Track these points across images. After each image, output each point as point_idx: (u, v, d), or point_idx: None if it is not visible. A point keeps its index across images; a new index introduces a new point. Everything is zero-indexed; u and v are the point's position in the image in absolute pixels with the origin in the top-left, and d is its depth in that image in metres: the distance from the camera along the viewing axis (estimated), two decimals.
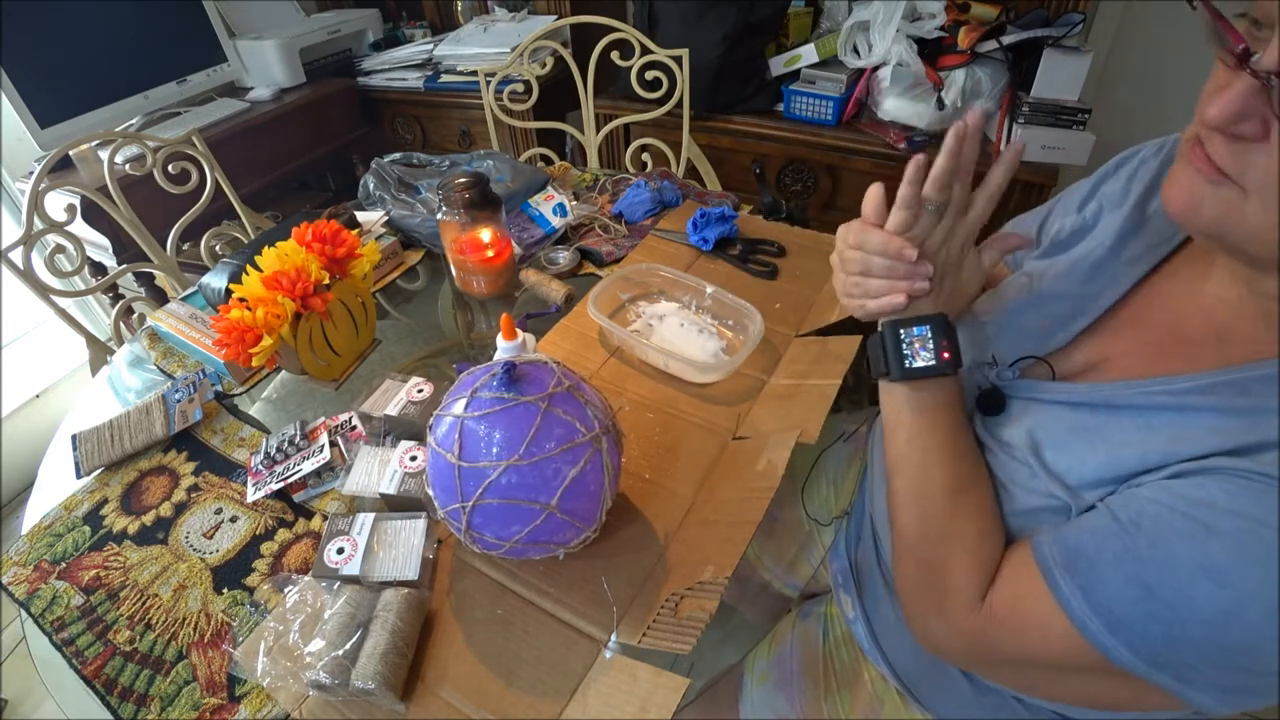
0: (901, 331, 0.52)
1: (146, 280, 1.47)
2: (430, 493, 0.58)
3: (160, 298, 1.47)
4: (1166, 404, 0.43)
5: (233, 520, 0.71)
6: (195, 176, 1.31)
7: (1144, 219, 0.54)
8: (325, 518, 0.69)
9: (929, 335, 0.51)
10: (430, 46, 1.89)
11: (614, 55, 1.48)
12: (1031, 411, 0.52)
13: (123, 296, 1.33)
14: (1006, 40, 1.30)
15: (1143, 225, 0.53)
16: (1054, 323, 0.55)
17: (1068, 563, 0.42)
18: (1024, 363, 0.54)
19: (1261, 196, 0.37)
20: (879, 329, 0.54)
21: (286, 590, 0.62)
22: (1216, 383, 0.41)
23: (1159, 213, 0.53)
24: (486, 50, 1.75)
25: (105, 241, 1.42)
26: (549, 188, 1.16)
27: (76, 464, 0.78)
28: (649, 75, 1.49)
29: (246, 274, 0.78)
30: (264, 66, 1.80)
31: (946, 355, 0.51)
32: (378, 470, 0.69)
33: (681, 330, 0.86)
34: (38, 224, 1.13)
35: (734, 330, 0.87)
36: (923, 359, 0.51)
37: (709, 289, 0.87)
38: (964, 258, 0.53)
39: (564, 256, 1.03)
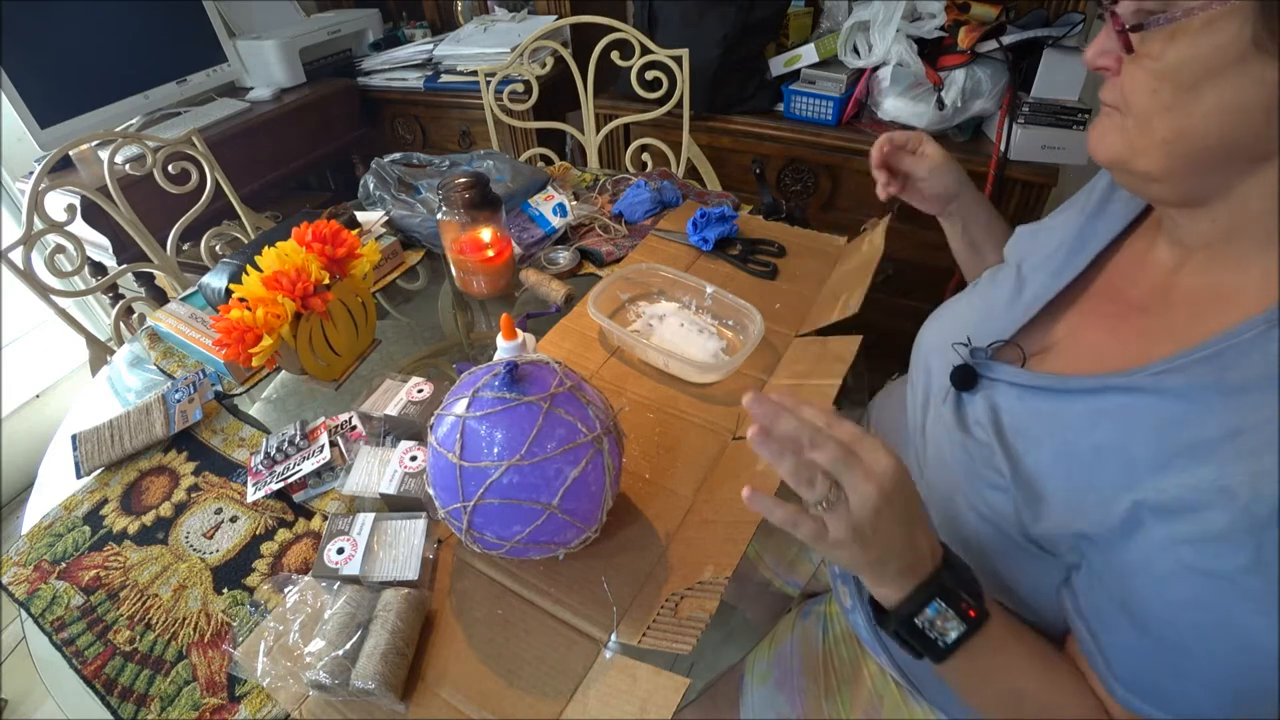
0: (916, 622, 0.46)
1: (146, 280, 1.47)
2: (431, 492, 0.58)
3: (160, 298, 1.46)
4: (1117, 386, 0.46)
5: (233, 520, 0.71)
6: (195, 176, 1.31)
7: (1108, 202, 0.58)
8: (325, 518, 0.69)
9: (944, 608, 0.45)
10: (430, 46, 1.89)
11: (614, 55, 1.48)
12: (998, 391, 0.54)
13: (123, 296, 1.33)
14: (1006, 40, 1.30)
15: (1106, 208, 0.57)
16: (1027, 301, 0.58)
17: (1150, 697, 0.44)
18: (995, 345, 0.57)
19: (1132, 114, 0.44)
20: (890, 629, 0.48)
21: (286, 590, 0.62)
22: (1162, 370, 0.44)
23: (1122, 195, 0.57)
24: (486, 50, 1.75)
25: (105, 241, 1.42)
26: (549, 188, 1.16)
27: (76, 464, 0.78)
28: (649, 75, 1.49)
29: (246, 274, 0.78)
30: (264, 66, 1.80)
31: (974, 612, 0.46)
32: (378, 470, 0.69)
33: (681, 330, 0.86)
34: (38, 224, 1.13)
35: (734, 330, 0.87)
36: (954, 630, 0.45)
37: (709, 289, 0.87)
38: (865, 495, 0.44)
39: (564, 256, 1.03)
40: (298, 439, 0.75)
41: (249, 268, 0.78)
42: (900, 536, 0.44)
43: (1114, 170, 0.49)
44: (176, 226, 1.32)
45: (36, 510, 0.75)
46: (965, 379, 0.56)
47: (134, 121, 1.61)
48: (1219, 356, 0.42)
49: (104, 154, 1.31)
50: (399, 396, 0.75)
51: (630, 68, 1.48)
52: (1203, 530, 0.39)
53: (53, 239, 1.16)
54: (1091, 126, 0.49)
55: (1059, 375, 0.50)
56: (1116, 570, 0.44)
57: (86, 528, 0.72)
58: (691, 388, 0.80)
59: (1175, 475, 0.40)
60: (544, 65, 1.72)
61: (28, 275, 1.12)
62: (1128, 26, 0.43)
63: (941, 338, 0.64)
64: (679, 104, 1.48)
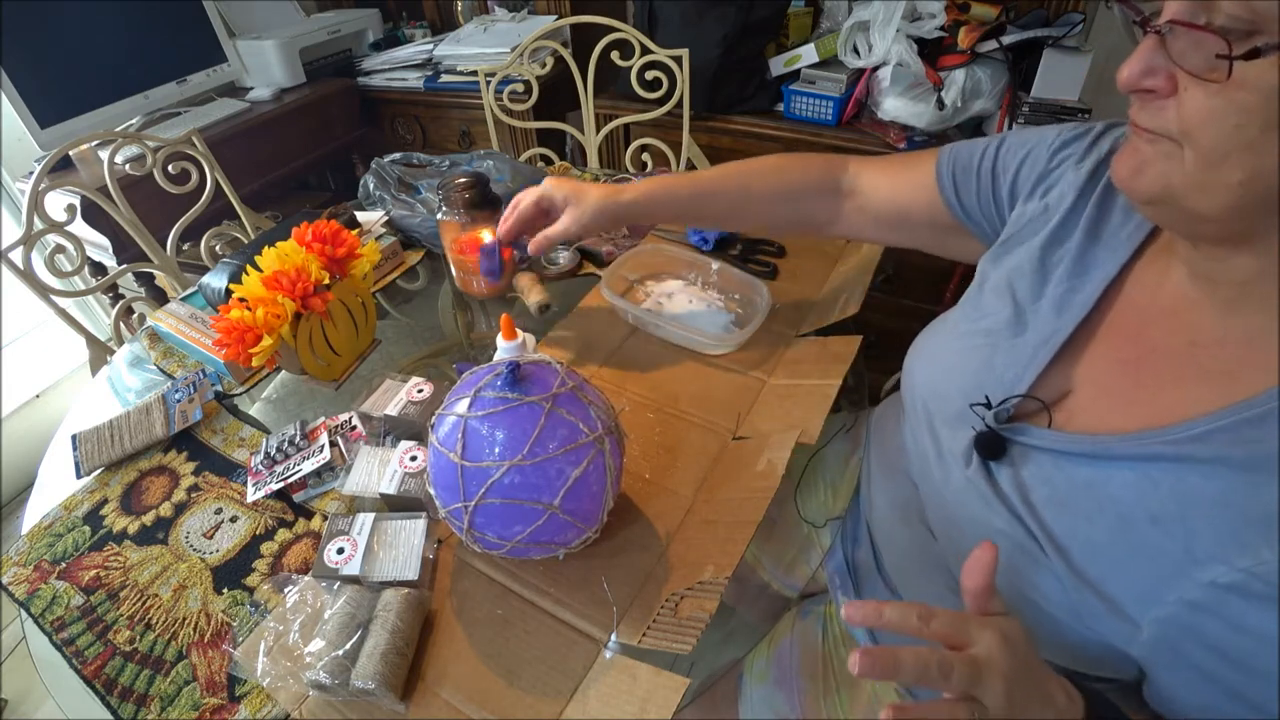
0: None
1: (146, 280, 1.47)
2: (432, 492, 0.58)
3: (160, 298, 1.47)
4: (1164, 454, 0.43)
5: (233, 520, 0.71)
6: (195, 176, 1.31)
7: (1104, 217, 0.54)
8: (325, 518, 0.69)
9: None
10: (430, 46, 1.89)
11: (614, 55, 1.48)
12: (1028, 460, 0.51)
13: (123, 296, 1.33)
14: (1006, 40, 1.30)
15: (1103, 224, 0.54)
16: (1037, 342, 0.53)
17: None
18: (1013, 401, 0.52)
19: (1192, 143, 0.39)
20: None
21: (286, 590, 0.62)
22: (1207, 431, 0.41)
23: (1117, 209, 0.53)
24: (486, 50, 1.75)
25: (105, 241, 1.42)
26: None
27: (76, 464, 0.78)
28: (649, 75, 1.49)
29: (246, 274, 0.78)
30: (264, 66, 1.80)
31: None
32: (378, 470, 0.69)
33: (690, 306, 0.89)
34: (38, 224, 1.13)
35: (740, 304, 0.90)
36: None
37: (714, 264, 0.91)
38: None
39: (564, 256, 1.03)
40: (298, 439, 0.75)
41: (249, 268, 0.78)
42: (1035, 702, 0.41)
43: (1153, 205, 0.44)
44: (176, 226, 1.32)
45: (36, 510, 0.75)
46: (993, 448, 0.52)
47: (134, 121, 1.61)
48: (1272, 416, 0.39)
49: (104, 154, 1.31)
50: (399, 396, 0.75)
51: (630, 68, 1.48)
52: None
53: (53, 239, 1.16)
54: (1123, 150, 0.44)
55: (1096, 437, 0.47)
56: (1213, 654, 0.41)
57: (86, 528, 0.72)
58: (691, 387, 0.80)
59: (1253, 553, 0.38)
60: (544, 65, 1.72)
61: (28, 275, 1.12)
62: (1235, 55, 0.35)
63: (939, 383, 0.60)
64: (679, 104, 1.48)
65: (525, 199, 0.78)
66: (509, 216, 0.79)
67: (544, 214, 0.79)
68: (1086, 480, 0.47)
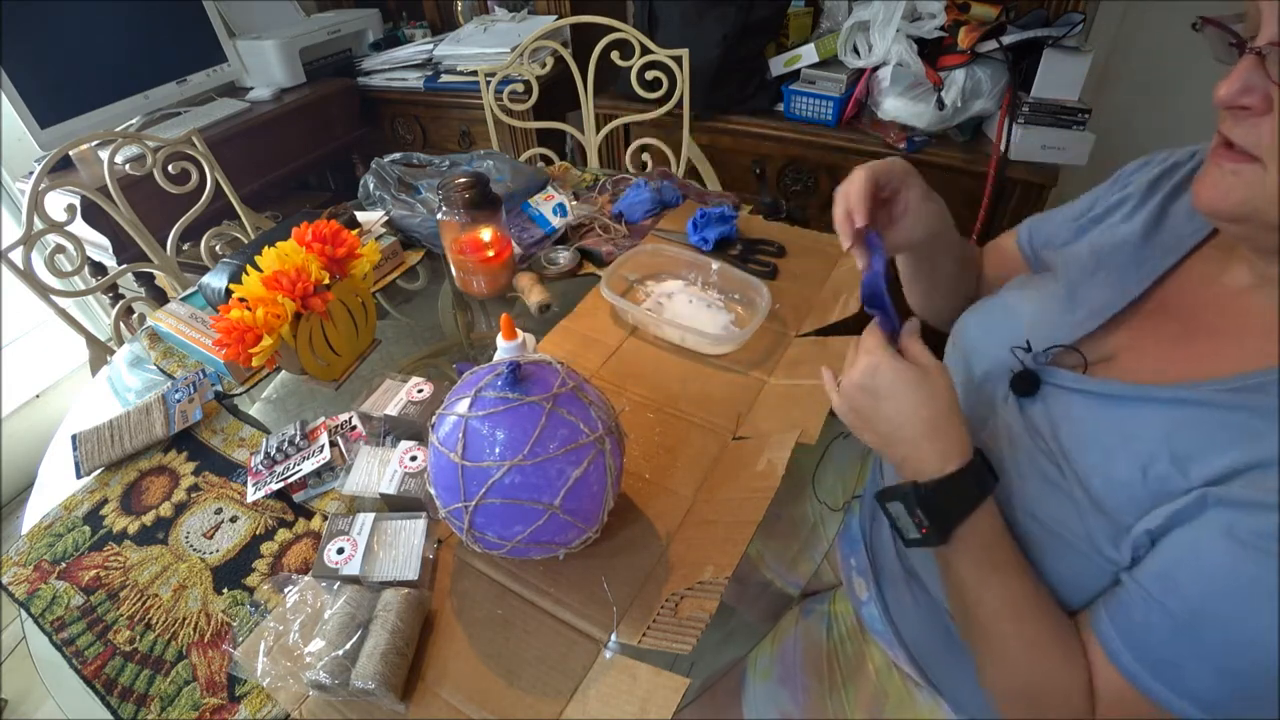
0: (888, 507, 0.53)
1: (146, 280, 1.47)
2: (432, 492, 0.58)
3: (160, 298, 1.46)
4: (1192, 398, 0.45)
5: (233, 520, 0.71)
6: (195, 176, 1.31)
7: (1165, 216, 0.56)
8: (325, 518, 0.69)
9: (903, 511, 0.52)
10: (430, 46, 1.89)
11: (614, 55, 1.49)
12: (1060, 399, 0.53)
13: (123, 296, 1.33)
14: (1006, 40, 1.30)
15: (1164, 222, 0.56)
16: (1085, 313, 0.56)
17: (1155, 671, 0.44)
18: (1055, 350, 0.55)
19: (1278, 160, 0.41)
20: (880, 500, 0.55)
21: (286, 590, 0.62)
22: (1243, 385, 0.43)
23: (1180, 212, 0.55)
24: (486, 50, 1.75)
25: (105, 241, 1.42)
26: (549, 188, 1.16)
27: (76, 464, 0.78)
28: (649, 75, 1.49)
29: (246, 274, 0.78)
30: (264, 66, 1.80)
31: (925, 529, 0.51)
32: (378, 470, 0.69)
33: (691, 306, 0.89)
34: (38, 224, 1.13)
35: (741, 304, 0.90)
36: (912, 532, 0.52)
37: (714, 265, 0.91)
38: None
39: (564, 256, 1.03)
40: (298, 439, 0.75)
41: (249, 268, 0.78)
42: (894, 431, 0.52)
43: (1236, 223, 0.46)
44: (176, 226, 1.32)
45: (36, 510, 0.75)
46: (1026, 385, 0.55)
47: (134, 121, 1.61)
48: None
49: (104, 154, 1.31)
50: (399, 396, 0.75)
51: (630, 68, 1.48)
52: (1265, 524, 0.39)
53: (53, 239, 1.16)
54: (1203, 177, 0.46)
55: (1126, 383, 0.49)
56: (1160, 548, 0.44)
57: (86, 528, 0.72)
58: (692, 387, 0.80)
59: (1251, 479, 0.41)
60: (544, 65, 1.72)
61: (28, 275, 1.12)
62: None
63: (987, 337, 0.62)
64: (679, 104, 1.48)
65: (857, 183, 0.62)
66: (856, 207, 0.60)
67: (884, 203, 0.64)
68: (1115, 419, 0.49)
